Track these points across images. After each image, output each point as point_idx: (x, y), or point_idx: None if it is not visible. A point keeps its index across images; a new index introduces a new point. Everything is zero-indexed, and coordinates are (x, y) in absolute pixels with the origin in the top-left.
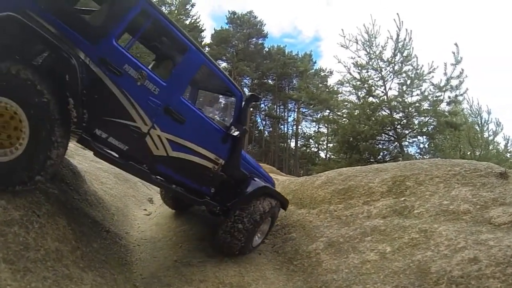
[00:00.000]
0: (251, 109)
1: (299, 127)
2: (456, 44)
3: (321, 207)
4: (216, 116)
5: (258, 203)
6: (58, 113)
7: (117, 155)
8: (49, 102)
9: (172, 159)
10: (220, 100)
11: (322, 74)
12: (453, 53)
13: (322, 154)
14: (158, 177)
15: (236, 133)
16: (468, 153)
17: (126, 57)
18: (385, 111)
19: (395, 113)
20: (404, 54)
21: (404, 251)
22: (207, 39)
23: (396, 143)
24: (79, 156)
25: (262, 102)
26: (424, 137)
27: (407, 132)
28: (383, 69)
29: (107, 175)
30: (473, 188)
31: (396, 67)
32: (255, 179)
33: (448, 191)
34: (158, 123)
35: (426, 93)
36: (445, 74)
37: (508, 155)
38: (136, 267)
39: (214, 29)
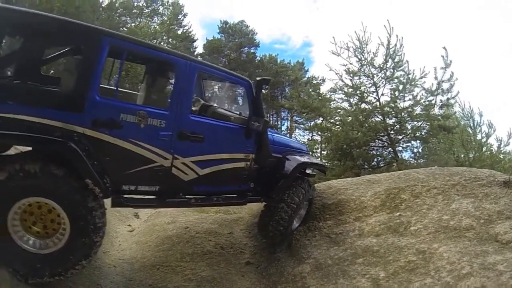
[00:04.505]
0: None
1: (293, 135)
2: (444, 48)
3: (308, 224)
4: (230, 103)
5: (297, 185)
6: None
7: (153, 197)
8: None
9: (205, 176)
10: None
11: (315, 82)
12: (442, 56)
13: None
14: (198, 196)
15: (258, 127)
16: (462, 155)
17: (117, 106)
18: (378, 117)
19: (388, 119)
20: (396, 60)
21: (400, 276)
22: (199, 49)
23: (390, 148)
24: None
25: None
26: (418, 141)
27: (400, 137)
28: (375, 76)
29: None
30: (475, 199)
31: (388, 73)
32: (289, 158)
33: (447, 204)
34: (177, 152)
35: (418, 98)
36: (436, 78)
37: (501, 156)
38: None
39: (206, 39)
